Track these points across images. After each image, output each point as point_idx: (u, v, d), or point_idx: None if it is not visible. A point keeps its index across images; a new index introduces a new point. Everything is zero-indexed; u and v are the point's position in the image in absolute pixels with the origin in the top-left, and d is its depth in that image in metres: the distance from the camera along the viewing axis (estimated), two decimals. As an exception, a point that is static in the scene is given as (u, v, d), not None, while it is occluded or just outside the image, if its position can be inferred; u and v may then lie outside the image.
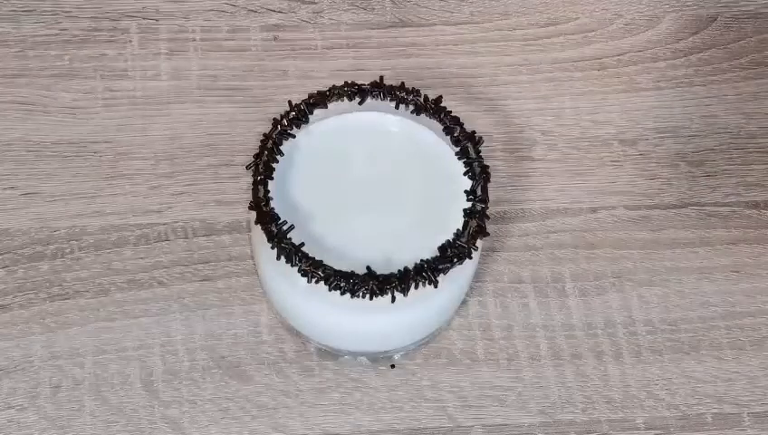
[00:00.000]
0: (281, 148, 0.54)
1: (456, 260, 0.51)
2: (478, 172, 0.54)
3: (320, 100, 0.55)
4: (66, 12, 0.67)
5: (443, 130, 0.55)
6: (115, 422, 0.56)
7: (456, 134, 0.54)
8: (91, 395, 0.56)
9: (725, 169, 0.65)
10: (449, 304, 0.56)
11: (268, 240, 0.51)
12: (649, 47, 0.68)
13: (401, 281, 0.51)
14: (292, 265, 0.51)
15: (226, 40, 0.67)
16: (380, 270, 0.51)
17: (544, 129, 0.65)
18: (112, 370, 0.57)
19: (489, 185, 0.53)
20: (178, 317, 0.59)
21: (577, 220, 0.63)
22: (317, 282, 0.51)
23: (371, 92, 0.55)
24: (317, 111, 0.55)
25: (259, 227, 0.52)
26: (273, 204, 0.52)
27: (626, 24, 0.69)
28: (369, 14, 0.68)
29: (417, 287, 0.51)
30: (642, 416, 0.58)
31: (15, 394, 0.56)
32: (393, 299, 0.51)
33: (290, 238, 0.51)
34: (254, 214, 0.52)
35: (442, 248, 0.52)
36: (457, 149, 0.54)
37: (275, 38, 0.67)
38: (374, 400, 0.57)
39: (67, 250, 0.60)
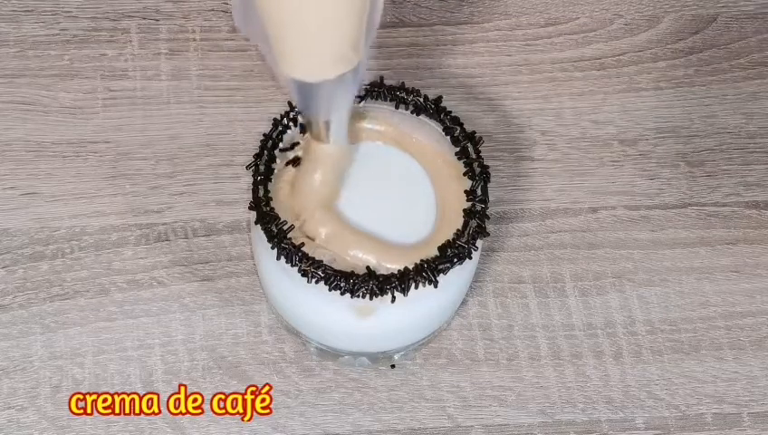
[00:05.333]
0: (281, 148, 0.54)
1: (456, 260, 0.51)
2: (478, 172, 0.54)
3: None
4: (66, 12, 0.67)
5: (443, 130, 0.55)
6: (115, 422, 0.56)
7: (455, 134, 0.54)
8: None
9: (725, 169, 0.65)
10: (449, 304, 0.56)
11: (268, 240, 0.51)
12: (649, 47, 0.68)
13: (401, 281, 0.51)
14: (292, 265, 0.51)
15: (226, 40, 0.67)
16: (380, 270, 0.51)
17: (544, 129, 0.65)
18: (112, 370, 0.57)
19: (489, 185, 0.53)
20: (178, 317, 0.59)
21: (577, 220, 0.63)
22: (317, 282, 0.51)
23: (371, 92, 0.55)
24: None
25: (259, 227, 0.52)
26: (273, 204, 0.52)
27: (626, 24, 0.69)
28: (369, 14, 0.68)
29: (417, 287, 0.51)
30: (642, 416, 0.58)
31: (15, 394, 0.56)
32: (393, 299, 0.51)
33: (290, 238, 0.51)
34: (254, 214, 0.52)
35: (442, 248, 0.52)
36: (457, 149, 0.54)
37: (275, 38, 0.67)
38: (374, 400, 0.57)
39: (67, 250, 0.60)
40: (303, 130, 0.54)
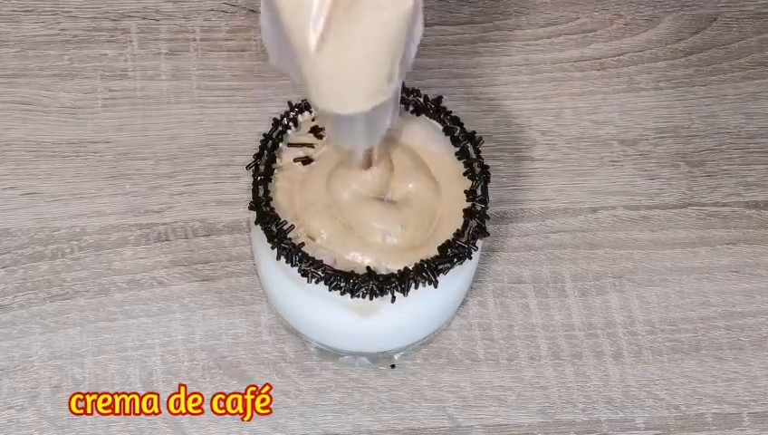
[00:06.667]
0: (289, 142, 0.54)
1: (456, 260, 0.51)
2: (478, 172, 0.54)
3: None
4: (66, 12, 0.67)
5: (443, 130, 0.55)
6: (115, 422, 0.56)
7: (455, 134, 0.54)
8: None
9: (725, 169, 0.65)
10: (449, 304, 0.56)
11: (268, 240, 0.51)
12: (649, 47, 0.68)
13: (401, 281, 0.51)
14: (292, 265, 0.51)
15: (226, 40, 0.67)
16: (380, 270, 0.51)
17: (544, 129, 0.65)
18: (112, 370, 0.57)
19: (489, 185, 0.53)
20: (178, 317, 0.59)
21: (577, 220, 0.63)
22: (317, 282, 0.51)
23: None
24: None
25: (259, 226, 0.52)
26: (272, 204, 0.52)
27: (626, 24, 0.69)
28: (369, 14, 0.68)
29: (417, 287, 0.51)
30: (642, 416, 0.58)
31: (15, 394, 0.56)
32: (393, 299, 0.51)
33: (290, 238, 0.51)
34: (254, 214, 0.52)
35: (442, 248, 0.52)
36: (457, 149, 0.54)
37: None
38: (374, 400, 0.57)
39: (67, 250, 0.60)
40: (315, 130, 0.54)
